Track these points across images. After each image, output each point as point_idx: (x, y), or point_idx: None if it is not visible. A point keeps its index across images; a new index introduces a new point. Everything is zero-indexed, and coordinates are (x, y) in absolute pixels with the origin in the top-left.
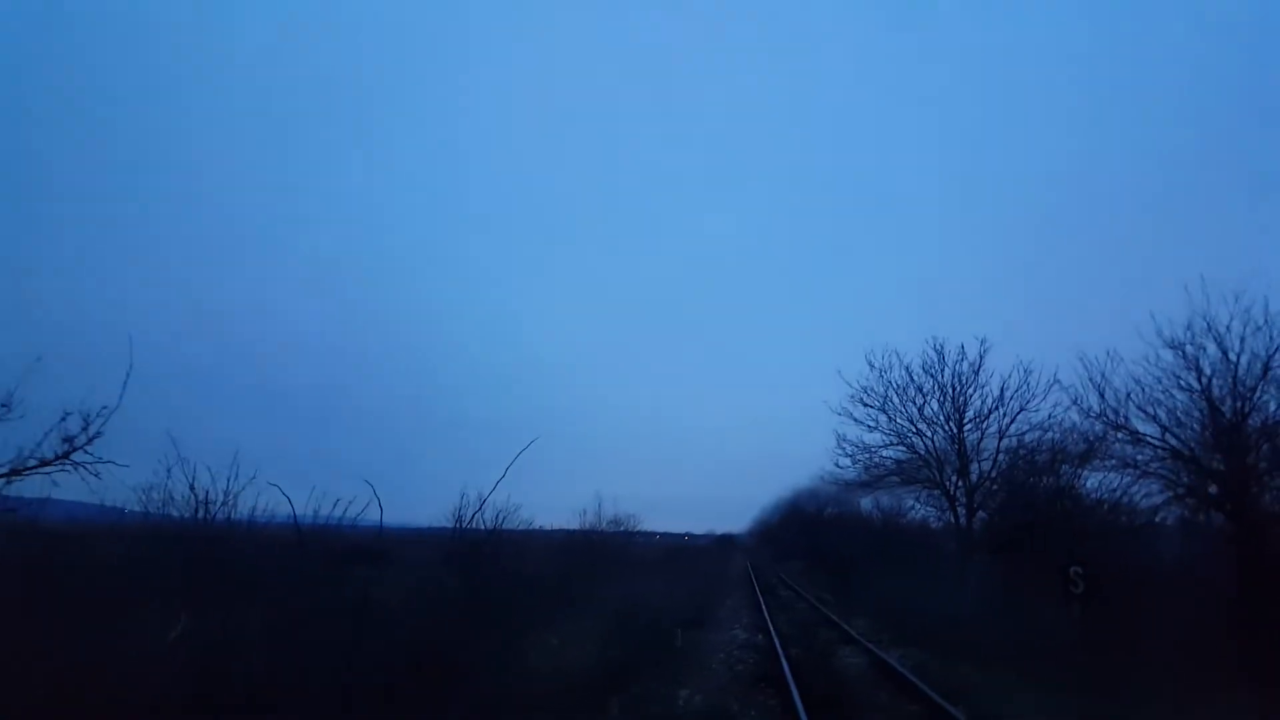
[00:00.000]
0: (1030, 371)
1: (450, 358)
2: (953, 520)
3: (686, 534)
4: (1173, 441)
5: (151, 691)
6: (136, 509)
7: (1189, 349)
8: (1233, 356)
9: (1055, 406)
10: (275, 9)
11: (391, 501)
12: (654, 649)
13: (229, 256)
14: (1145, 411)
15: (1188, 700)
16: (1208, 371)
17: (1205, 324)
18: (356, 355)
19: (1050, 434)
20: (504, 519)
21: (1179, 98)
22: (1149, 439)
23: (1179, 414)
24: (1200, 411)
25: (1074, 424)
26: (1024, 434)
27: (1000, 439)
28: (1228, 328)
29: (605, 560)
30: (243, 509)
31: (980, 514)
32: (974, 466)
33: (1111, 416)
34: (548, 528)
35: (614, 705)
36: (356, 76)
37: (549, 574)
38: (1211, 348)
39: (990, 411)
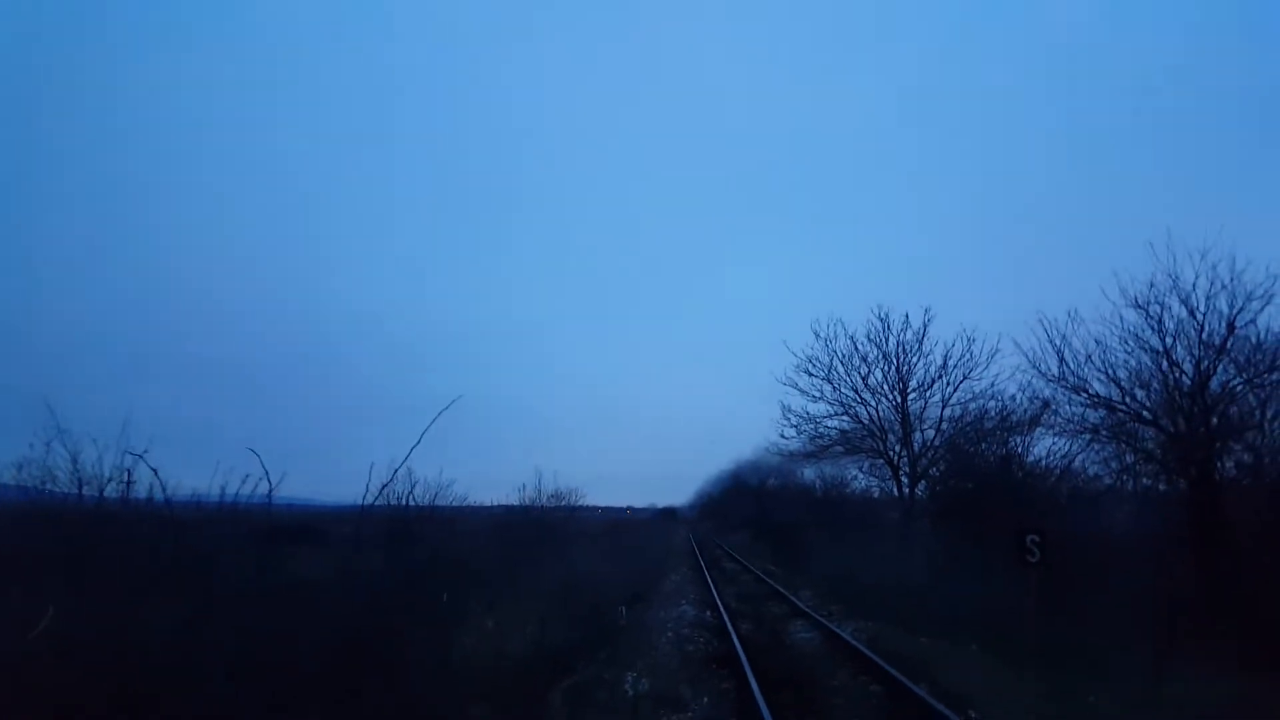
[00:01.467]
0: (974, 340)
1: (384, 336)
2: (895, 489)
3: (629, 508)
4: (1133, 404)
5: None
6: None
7: (1153, 308)
8: (1198, 316)
9: (998, 375)
10: None
11: (326, 479)
12: (598, 629)
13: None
14: (1106, 374)
15: (1150, 670)
16: (1171, 331)
17: (1171, 281)
18: (282, 328)
19: (994, 402)
20: (435, 495)
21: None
22: (1110, 402)
23: (1141, 376)
24: (1163, 373)
25: (1019, 391)
26: (967, 402)
27: (944, 407)
28: (1193, 286)
29: (546, 537)
30: (140, 487)
31: (922, 483)
32: (917, 435)
33: (1071, 379)
34: (486, 504)
35: (556, 695)
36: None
37: (485, 553)
38: (1176, 306)
39: (934, 380)
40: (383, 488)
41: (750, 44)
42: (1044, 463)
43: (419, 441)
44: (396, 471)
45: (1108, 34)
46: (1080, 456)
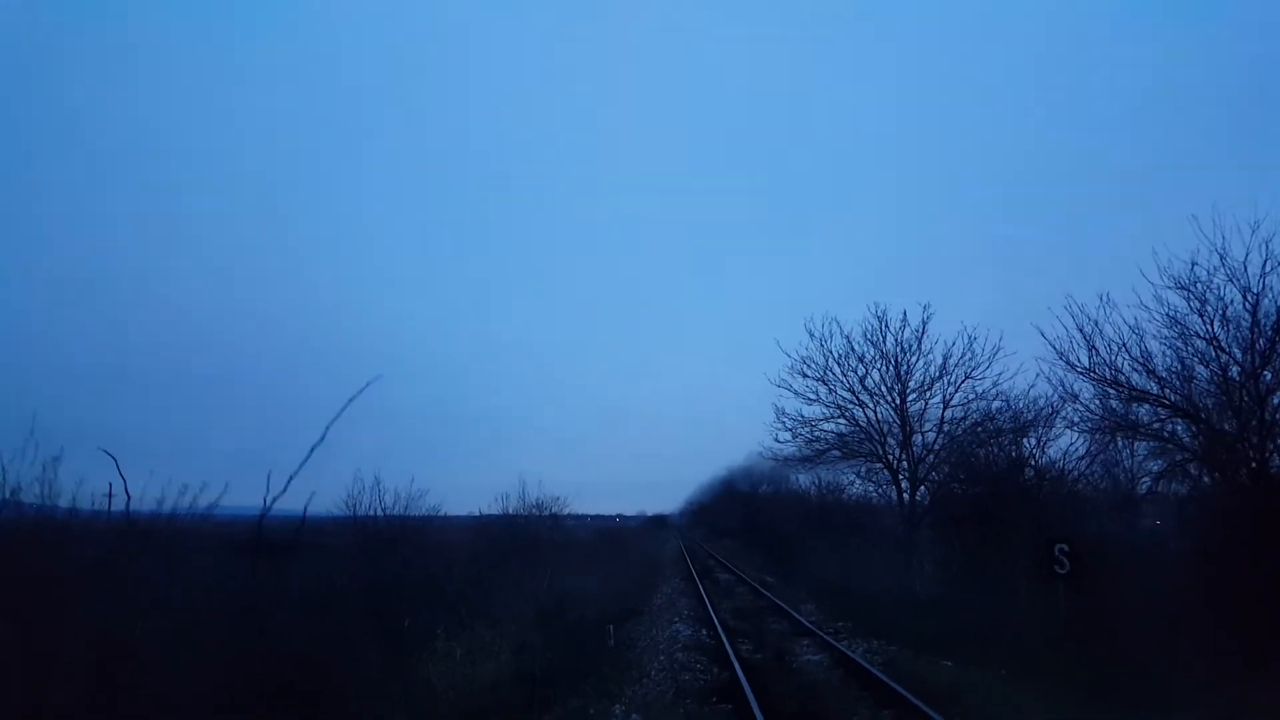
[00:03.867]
0: (975, 338)
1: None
2: (895, 495)
3: (618, 515)
4: (1174, 398)
5: None
6: None
7: (1196, 288)
8: (1250, 297)
9: (1001, 374)
10: None
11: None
12: (582, 652)
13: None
14: (1143, 364)
15: (1207, 696)
16: (1219, 314)
17: (1218, 258)
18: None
19: (998, 402)
20: (406, 506)
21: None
22: (1149, 395)
23: (1184, 366)
24: (1210, 362)
25: (1030, 387)
26: (970, 403)
27: (944, 408)
28: (1244, 262)
29: (528, 547)
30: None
31: (923, 488)
32: (917, 438)
33: (1103, 371)
34: (464, 514)
35: None
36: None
37: (460, 567)
38: (1224, 286)
39: (934, 380)
40: (348, 500)
41: (745, 38)
42: (1061, 464)
43: (322, 439)
44: (290, 479)
45: None
46: (1105, 457)
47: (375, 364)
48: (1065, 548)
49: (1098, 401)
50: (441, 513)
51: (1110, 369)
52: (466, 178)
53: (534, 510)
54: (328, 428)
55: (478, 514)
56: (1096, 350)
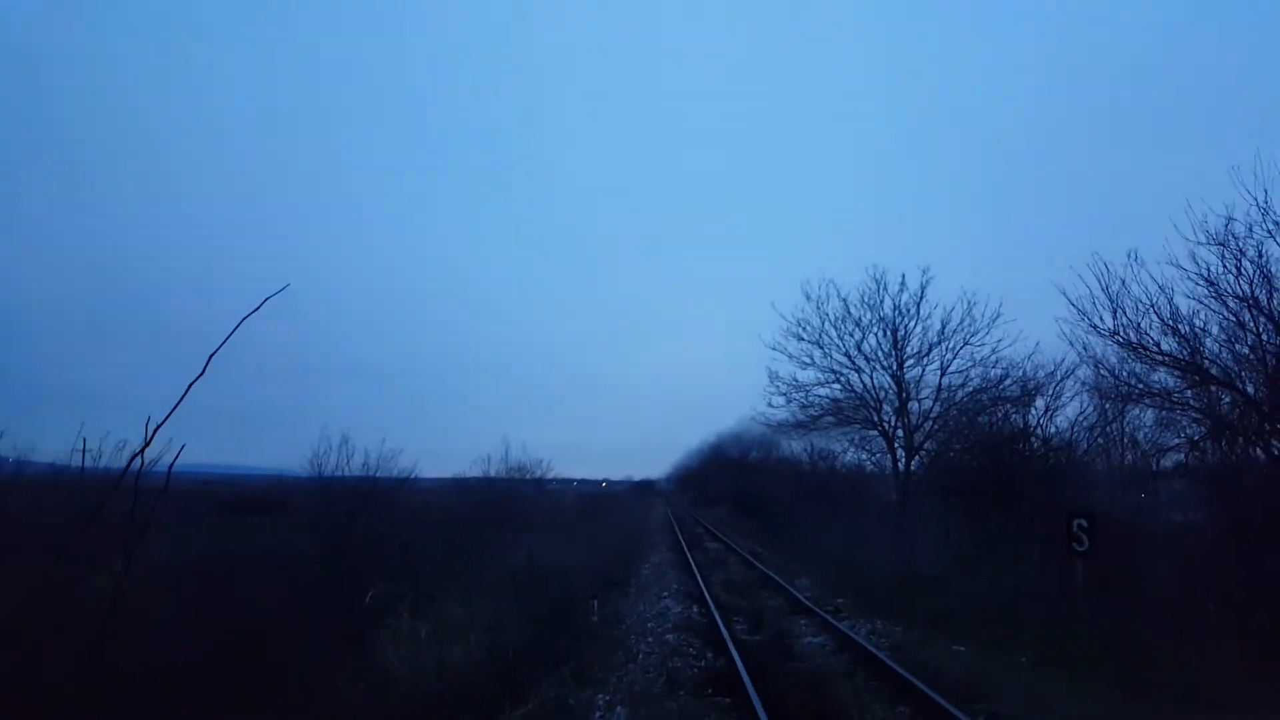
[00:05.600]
0: (974, 304)
1: (337, 296)
2: (891, 463)
3: (604, 481)
4: (1207, 363)
5: None
6: None
7: (1233, 244)
8: None
9: (1000, 340)
10: None
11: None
12: (563, 630)
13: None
14: (1173, 327)
15: (1245, 684)
16: (1259, 273)
17: (1260, 212)
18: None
19: (997, 369)
20: (376, 467)
21: None
22: (1179, 359)
23: (1221, 328)
24: (1248, 325)
25: (1027, 356)
26: (968, 369)
27: (942, 375)
28: None
29: (510, 513)
30: None
31: (917, 457)
32: (914, 405)
33: (1128, 334)
34: (444, 476)
35: None
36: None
37: (434, 533)
38: (1267, 243)
39: (932, 346)
40: (313, 458)
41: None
42: (1070, 434)
43: (203, 371)
44: (163, 423)
45: None
46: (1120, 426)
47: (351, 316)
48: (1084, 523)
49: (1120, 366)
50: (417, 475)
51: (1136, 331)
52: (465, 143)
53: (516, 474)
54: (210, 356)
55: (459, 476)
56: (1123, 311)
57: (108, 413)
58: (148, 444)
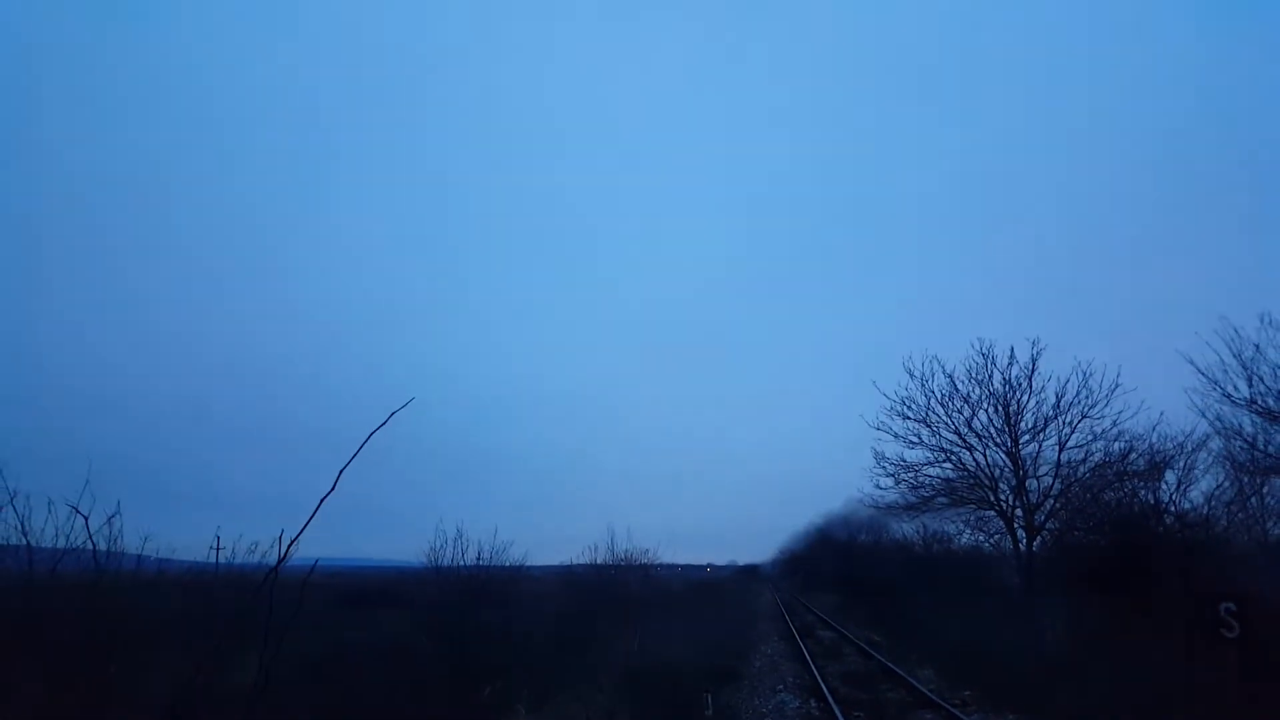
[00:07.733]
0: (1089, 374)
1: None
2: (1011, 544)
3: (708, 565)
4: None
5: None
6: None
7: None
8: None
9: (1121, 412)
10: None
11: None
12: None
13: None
14: None
15: None
16: None
17: None
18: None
19: (1119, 442)
20: (491, 558)
21: None
22: None
23: None
24: None
25: (1151, 428)
26: (1088, 443)
27: (1060, 450)
28: None
29: (618, 600)
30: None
31: (1039, 537)
32: (1032, 482)
33: (1266, 403)
34: (553, 564)
35: None
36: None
37: (547, 624)
38: None
39: (1048, 420)
40: (430, 551)
41: (842, 77)
42: (1206, 509)
43: (334, 487)
44: (297, 537)
45: None
46: (1268, 498)
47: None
48: (1232, 606)
49: (1258, 436)
50: (527, 564)
51: (1276, 399)
52: (564, 240)
53: (623, 561)
54: (340, 472)
55: (567, 564)
56: (1260, 379)
57: (239, 510)
58: (283, 559)
